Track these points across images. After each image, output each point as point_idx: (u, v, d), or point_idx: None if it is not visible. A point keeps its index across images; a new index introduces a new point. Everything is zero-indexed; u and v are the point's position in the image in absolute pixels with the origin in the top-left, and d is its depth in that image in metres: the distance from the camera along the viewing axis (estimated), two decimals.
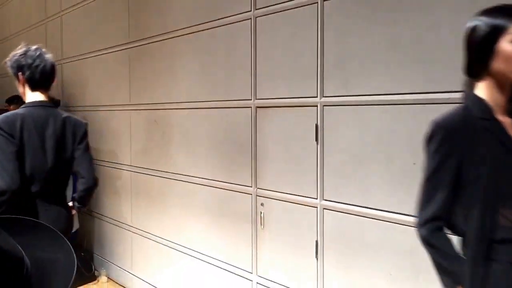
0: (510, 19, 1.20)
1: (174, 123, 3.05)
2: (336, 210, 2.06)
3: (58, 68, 4.56)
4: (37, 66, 2.21)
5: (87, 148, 2.29)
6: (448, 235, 1.28)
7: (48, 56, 2.30)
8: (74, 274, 0.91)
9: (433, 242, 1.26)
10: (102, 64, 3.84)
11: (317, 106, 2.11)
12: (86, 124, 2.34)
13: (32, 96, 2.22)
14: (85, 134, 2.30)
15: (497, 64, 1.22)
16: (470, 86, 1.32)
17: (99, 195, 4.00)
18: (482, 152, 1.21)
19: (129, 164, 3.56)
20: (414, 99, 1.76)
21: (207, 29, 2.72)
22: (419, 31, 1.74)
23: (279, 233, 2.34)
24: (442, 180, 1.25)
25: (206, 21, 2.72)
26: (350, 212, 2.00)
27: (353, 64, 1.96)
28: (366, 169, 1.93)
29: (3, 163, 1.98)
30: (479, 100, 1.26)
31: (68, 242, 1.02)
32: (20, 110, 2.16)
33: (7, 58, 2.27)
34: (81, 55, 4.13)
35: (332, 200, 2.07)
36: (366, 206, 1.94)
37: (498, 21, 1.21)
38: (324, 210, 2.11)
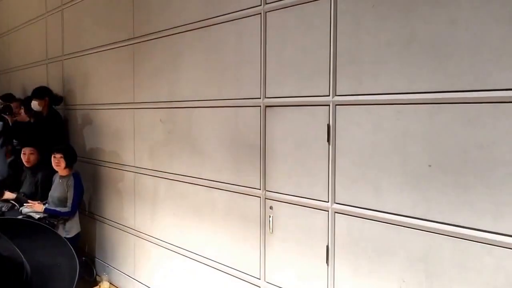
0: None
1: (180, 122, 3.10)
2: (348, 213, 2.09)
3: (58, 64, 4.67)
4: None
5: None
6: None
7: None
8: (76, 280, 0.95)
9: None
10: (104, 61, 3.91)
11: (329, 105, 2.15)
12: None
13: None
14: None
15: None
16: None
17: (101, 197, 4.07)
18: None
19: (132, 165, 3.63)
20: (430, 99, 1.79)
21: (215, 24, 2.77)
22: (435, 27, 1.77)
23: (288, 237, 2.38)
24: None
25: (214, 16, 2.77)
26: (363, 216, 2.03)
27: (367, 61, 2.00)
28: (379, 171, 1.97)
29: None
30: None
31: (71, 247, 1.06)
32: None
33: None
34: (82, 51, 4.20)
35: (344, 203, 2.11)
36: (379, 209, 1.97)
37: None
38: (336, 213, 2.14)
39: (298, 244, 2.32)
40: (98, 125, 4.05)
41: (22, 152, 4.05)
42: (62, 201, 3.68)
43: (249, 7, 2.54)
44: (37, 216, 3.61)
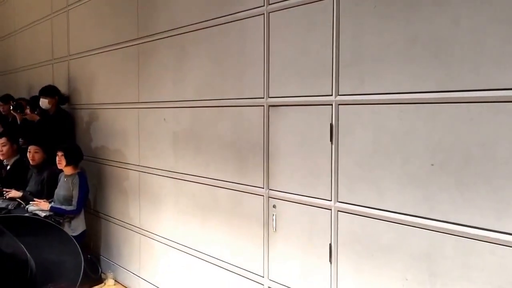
0: None
1: (184, 122, 3.12)
2: (351, 212, 2.10)
3: (64, 64, 4.69)
4: None
5: None
6: None
7: None
8: (81, 277, 0.96)
9: None
10: (110, 61, 3.93)
11: (332, 104, 2.16)
12: None
13: None
14: None
15: None
16: None
17: (106, 196, 4.10)
18: None
19: (137, 164, 3.65)
20: (432, 98, 1.79)
21: (218, 24, 2.78)
22: (437, 27, 1.77)
23: (291, 236, 2.39)
24: None
25: (217, 16, 2.78)
26: (365, 215, 2.04)
27: (370, 61, 2.00)
28: (382, 170, 1.97)
29: None
30: None
31: (77, 244, 1.07)
32: None
33: None
34: (88, 51, 4.23)
35: (347, 202, 2.12)
36: (382, 208, 1.98)
37: None
38: (339, 212, 2.15)
39: (301, 242, 2.33)
40: (103, 124, 4.07)
41: (27, 151, 4.08)
42: (68, 200, 3.71)
43: (252, 7, 2.55)
44: (43, 214, 3.64)
